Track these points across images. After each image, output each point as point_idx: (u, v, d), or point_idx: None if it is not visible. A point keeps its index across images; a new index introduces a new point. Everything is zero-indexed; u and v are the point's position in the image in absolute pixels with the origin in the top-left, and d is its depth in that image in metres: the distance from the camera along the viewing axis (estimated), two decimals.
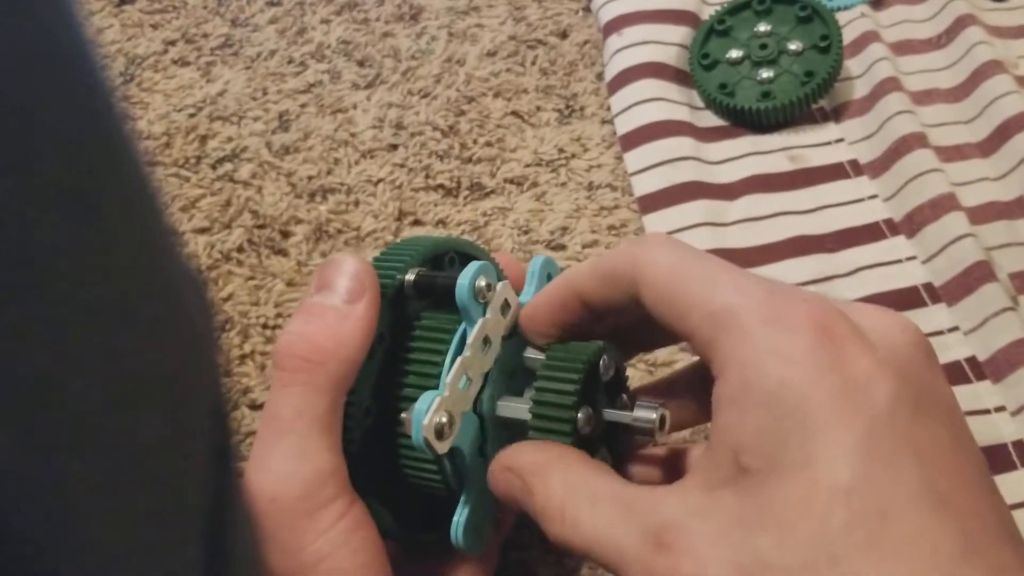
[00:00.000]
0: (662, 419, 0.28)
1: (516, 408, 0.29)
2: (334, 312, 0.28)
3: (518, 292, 0.31)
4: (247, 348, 0.42)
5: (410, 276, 0.30)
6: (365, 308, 0.28)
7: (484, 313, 0.29)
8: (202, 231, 0.46)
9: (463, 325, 0.29)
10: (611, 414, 0.29)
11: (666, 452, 0.31)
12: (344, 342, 0.28)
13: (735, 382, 0.23)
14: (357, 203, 0.48)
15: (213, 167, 0.49)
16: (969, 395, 0.39)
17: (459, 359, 0.28)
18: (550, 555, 0.36)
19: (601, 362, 0.29)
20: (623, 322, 0.30)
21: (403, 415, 0.28)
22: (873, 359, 0.23)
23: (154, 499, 0.16)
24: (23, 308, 0.13)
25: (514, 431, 0.29)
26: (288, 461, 0.27)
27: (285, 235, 0.47)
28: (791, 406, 0.22)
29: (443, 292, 0.29)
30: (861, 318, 0.24)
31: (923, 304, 0.42)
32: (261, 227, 0.47)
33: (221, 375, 0.19)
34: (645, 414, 0.28)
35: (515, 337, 0.30)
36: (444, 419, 0.27)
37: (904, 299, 0.42)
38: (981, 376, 0.40)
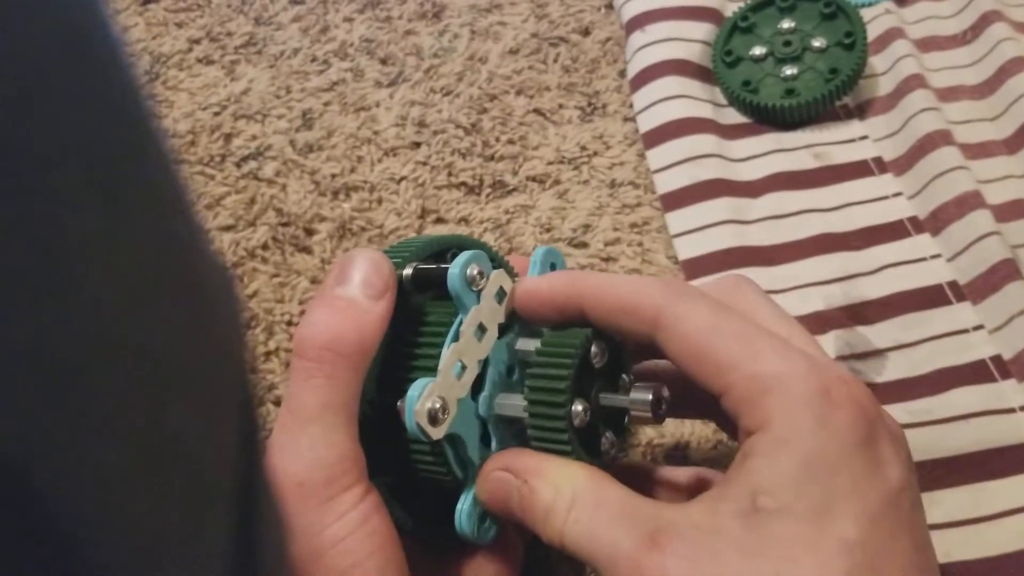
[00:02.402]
0: (658, 399, 0.29)
1: (514, 407, 0.30)
2: (357, 305, 0.29)
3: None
4: (272, 345, 0.43)
5: (408, 271, 0.31)
6: (387, 304, 0.29)
7: (478, 301, 0.29)
8: (227, 229, 0.47)
9: (460, 316, 0.30)
10: (607, 399, 0.29)
11: (690, 479, 0.33)
12: (367, 336, 0.29)
13: (774, 438, 0.25)
14: (380, 201, 0.48)
15: (238, 165, 0.50)
16: (994, 394, 0.39)
17: (452, 345, 0.29)
18: None
19: (592, 350, 0.29)
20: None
21: (399, 403, 0.28)
22: (893, 446, 0.26)
23: (184, 485, 0.16)
24: (58, 300, 0.13)
25: (517, 425, 0.30)
26: (316, 448, 0.28)
27: (309, 233, 0.47)
28: (822, 468, 0.24)
29: (438, 283, 0.30)
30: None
31: (948, 302, 0.42)
32: (285, 225, 0.47)
33: (248, 370, 0.19)
34: (641, 395, 0.29)
35: (508, 333, 0.31)
36: (437, 404, 0.28)
37: (928, 297, 0.42)
38: (1006, 375, 0.39)
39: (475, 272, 0.29)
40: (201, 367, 0.17)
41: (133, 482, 0.15)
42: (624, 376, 0.30)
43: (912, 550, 0.25)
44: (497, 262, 0.32)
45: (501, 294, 0.30)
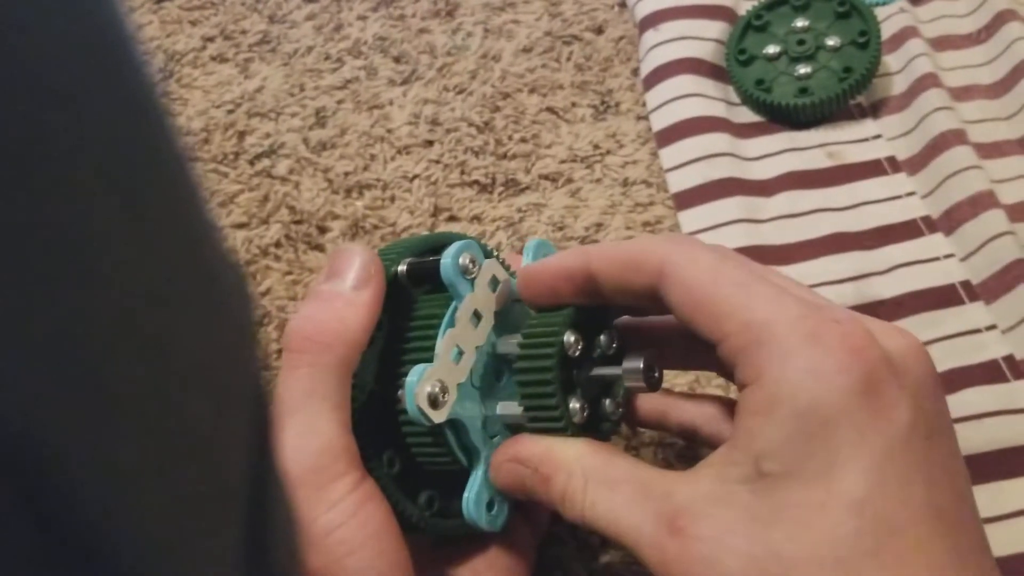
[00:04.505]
0: (650, 366, 0.29)
1: (512, 415, 0.30)
2: (342, 298, 0.29)
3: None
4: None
5: (402, 267, 0.31)
6: (370, 294, 0.30)
7: (472, 289, 0.30)
8: (240, 226, 0.47)
9: (455, 304, 0.30)
10: (600, 371, 0.30)
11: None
12: (350, 325, 0.29)
13: (767, 394, 0.25)
14: (393, 199, 0.49)
15: (251, 163, 0.50)
16: (1006, 394, 0.39)
17: (448, 331, 0.29)
18: (586, 551, 0.36)
19: (566, 342, 0.29)
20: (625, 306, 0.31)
21: (399, 392, 0.29)
22: (897, 385, 0.24)
23: (197, 481, 0.16)
24: (76, 295, 0.13)
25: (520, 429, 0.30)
26: (300, 436, 0.28)
27: (322, 231, 0.47)
28: (820, 423, 0.24)
29: (433, 275, 0.30)
30: (884, 339, 0.25)
31: (961, 302, 0.42)
32: (298, 222, 0.47)
33: (261, 367, 0.20)
34: (632, 364, 0.29)
35: (488, 341, 0.31)
36: (436, 388, 0.28)
37: (941, 297, 0.42)
38: (1019, 375, 0.39)
39: (467, 261, 0.30)
40: (214, 363, 0.17)
41: (148, 478, 0.15)
42: (602, 337, 0.30)
43: (923, 489, 0.24)
44: (489, 255, 0.33)
45: (494, 282, 0.31)
